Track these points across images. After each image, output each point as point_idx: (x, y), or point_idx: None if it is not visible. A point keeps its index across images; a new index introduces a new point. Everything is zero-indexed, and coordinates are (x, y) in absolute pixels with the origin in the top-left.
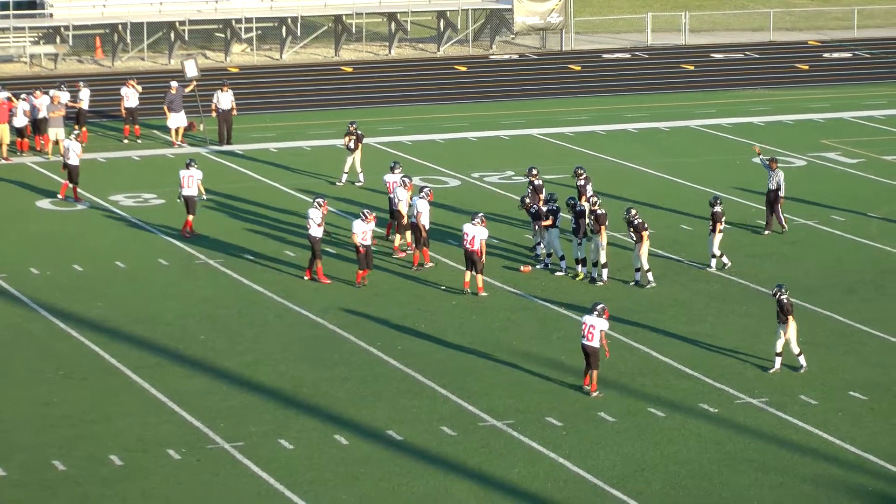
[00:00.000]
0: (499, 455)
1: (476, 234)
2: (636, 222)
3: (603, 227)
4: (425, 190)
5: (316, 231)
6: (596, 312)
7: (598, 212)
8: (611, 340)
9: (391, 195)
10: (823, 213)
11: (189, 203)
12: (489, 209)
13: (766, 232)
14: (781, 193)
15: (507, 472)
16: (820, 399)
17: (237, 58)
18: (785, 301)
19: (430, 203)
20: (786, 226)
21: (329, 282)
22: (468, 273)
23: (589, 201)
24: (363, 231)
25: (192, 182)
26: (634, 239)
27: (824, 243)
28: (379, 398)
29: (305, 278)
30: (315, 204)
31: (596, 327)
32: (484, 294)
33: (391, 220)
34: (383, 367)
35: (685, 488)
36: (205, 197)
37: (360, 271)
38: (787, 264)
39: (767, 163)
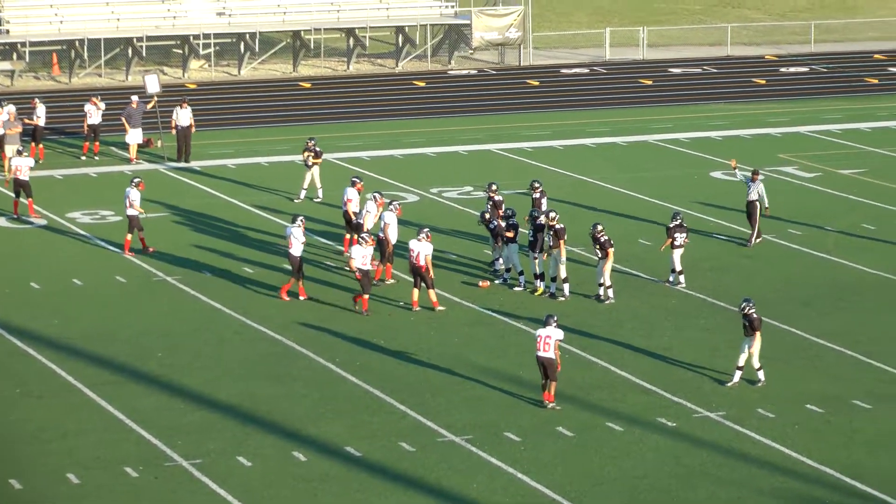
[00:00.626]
0: (457, 471)
1: (421, 249)
2: (602, 239)
3: (562, 242)
4: (394, 204)
5: (297, 250)
6: (552, 324)
7: (557, 226)
8: (569, 355)
9: (345, 208)
10: (781, 226)
11: (132, 221)
12: (448, 224)
13: (758, 240)
14: (766, 204)
15: (465, 488)
16: (777, 412)
17: (195, 74)
18: (754, 316)
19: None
20: (753, 242)
21: (289, 300)
22: (416, 291)
23: (547, 216)
24: (363, 255)
25: (128, 202)
26: (599, 255)
27: (781, 257)
28: (337, 414)
29: (285, 299)
30: (298, 223)
31: (552, 338)
32: (441, 308)
33: (348, 234)
34: (342, 384)
35: (643, 503)
36: (144, 214)
37: (363, 297)
38: (744, 278)
39: (750, 175)
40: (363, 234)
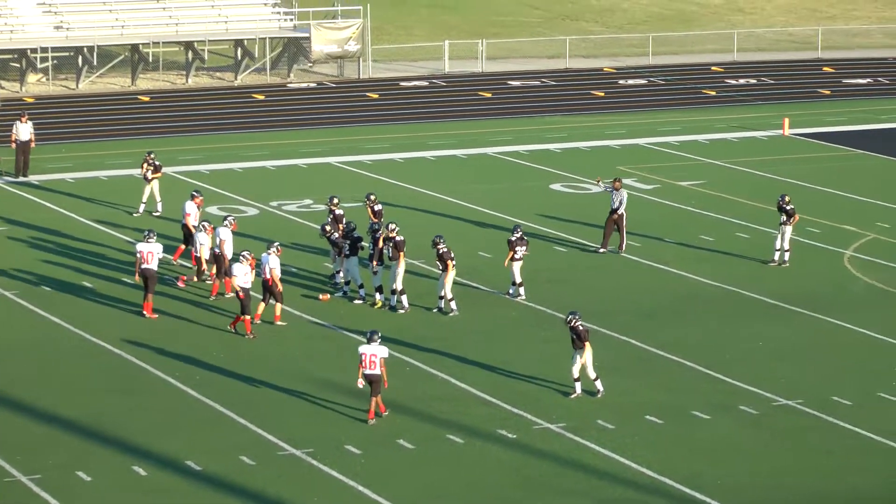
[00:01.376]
0: (298, 484)
1: (270, 263)
2: (441, 252)
3: (402, 254)
4: (229, 219)
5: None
6: (376, 341)
7: (397, 238)
8: (409, 367)
9: (184, 222)
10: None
11: None
12: (288, 238)
13: (602, 250)
14: (621, 211)
15: (306, 501)
16: (617, 423)
17: (33, 87)
18: (581, 328)
19: (233, 232)
20: (625, 246)
21: (156, 316)
22: (262, 305)
23: (387, 228)
24: (244, 273)
25: None
26: (441, 268)
27: (621, 269)
28: (178, 429)
29: (250, 336)
30: (275, 249)
31: (378, 355)
32: (281, 323)
33: (183, 245)
34: (182, 398)
35: None
36: None
37: (245, 318)
38: (584, 290)
39: (610, 185)
40: (243, 253)
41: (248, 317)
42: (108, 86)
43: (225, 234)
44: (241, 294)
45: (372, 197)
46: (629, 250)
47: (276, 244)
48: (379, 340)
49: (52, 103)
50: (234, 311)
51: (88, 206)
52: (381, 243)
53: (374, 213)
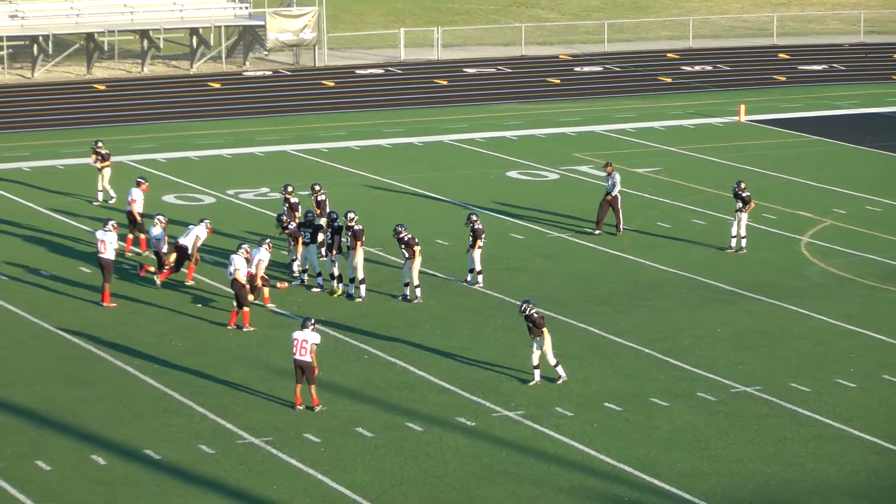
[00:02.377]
0: (257, 472)
1: (260, 256)
2: (406, 238)
3: (359, 243)
4: (267, 241)
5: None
6: (309, 328)
7: (356, 227)
8: (368, 356)
9: (129, 208)
10: (576, 225)
11: None
12: (244, 226)
13: (597, 232)
14: (614, 193)
15: (265, 490)
16: (575, 411)
17: None
18: (535, 316)
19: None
20: (622, 228)
21: (114, 305)
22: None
23: (346, 216)
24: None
25: None
26: (406, 255)
27: (578, 255)
28: (136, 417)
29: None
30: (267, 245)
31: (308, 341)
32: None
33: (131, 235)
34: (140, 386)
35: (443, 502)
36: None
37: (243, 310)
38: (541, 277)
39: (603, 168)
40: (244, 245)
41: (246, 309)
42: (63, 74)
43: (263, 255)
44: (247, 287)
45: (316, 187)
46: (586, 237)
47: (268, 240)
48: (313, 327)
49: (7, 92)
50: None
51: (45, 195)
52: (339, 233)
53: (318, 203)
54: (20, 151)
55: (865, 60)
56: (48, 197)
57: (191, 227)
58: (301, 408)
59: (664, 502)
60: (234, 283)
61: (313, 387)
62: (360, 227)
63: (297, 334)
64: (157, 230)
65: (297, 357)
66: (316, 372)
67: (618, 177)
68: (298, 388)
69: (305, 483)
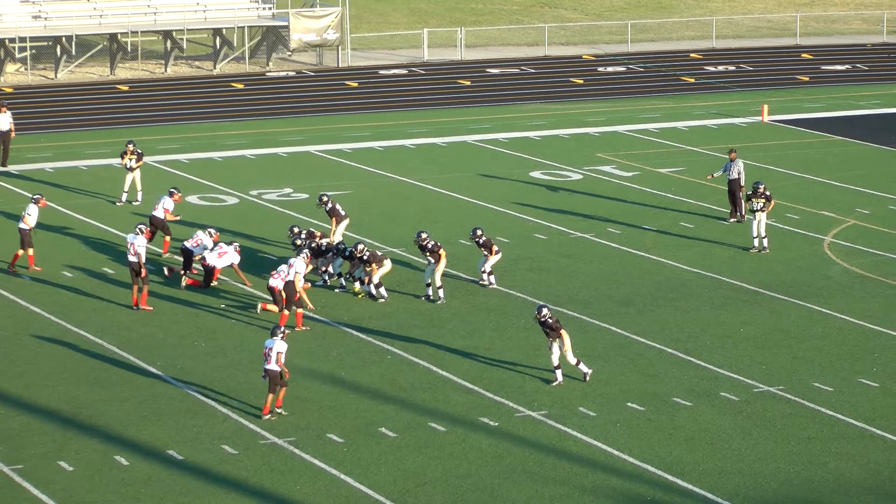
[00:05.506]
0: (280, 472)
1: (296, 267)
2: (429, 245)
3: (374, 265)
4: (305, 251)
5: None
6: (278, 336)
7: (365, 257)
8: (391, 356)
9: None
10: (600, 225)
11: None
12: (268, 227)
13: (732, 220)
14: (742, 183)
15: (288, 490)
16: (598, 411)
17: (11, 77)
18: (550, 321)
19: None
20: (745, 215)
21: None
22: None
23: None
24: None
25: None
26: (432, 260)
27: (601, 256)
28: (159, 417)
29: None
30: (303, 256)
31: (273, 350)
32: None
33: (168, 236)
34: (163, 387)
35: (466, 502)
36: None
37: (297, 312)
38: (564, 277)
39: (728, 156)
40: (304, 250)
41: (300, 310)
42: (86, 75)
43: (300, 266)
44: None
45: (324, 198)
46: (609, 237)
47: (305, 251)
48: (281, 335)
49: (30, 93)
50: (219, 300)
51: (68, 195)
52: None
53: (329, 212)
54: (43, 152)
55: (888, 60)
56: (71, 197)
57: (221, 245)
58: (268, 417)
59: (687, 502)
60: (290, 285)
61: (271, 396)
62: (371, 252)
63: (267, 342)
64: (208, 241)
65: (266, 366)
66: (287, 375)
67: (741, 164)
68: (269, 398)
69: (328, 483)
